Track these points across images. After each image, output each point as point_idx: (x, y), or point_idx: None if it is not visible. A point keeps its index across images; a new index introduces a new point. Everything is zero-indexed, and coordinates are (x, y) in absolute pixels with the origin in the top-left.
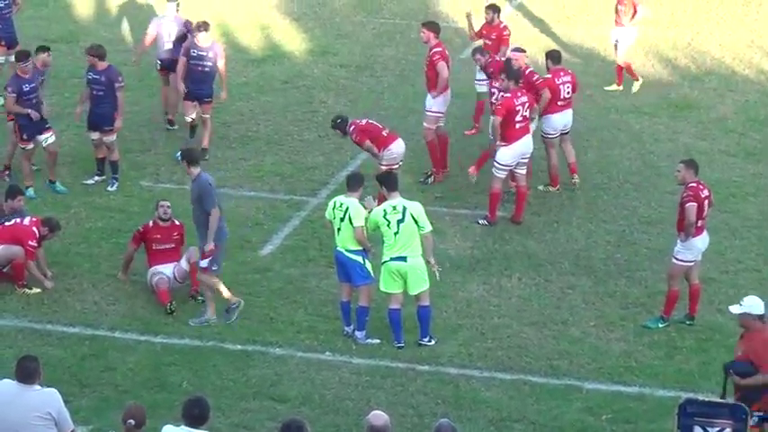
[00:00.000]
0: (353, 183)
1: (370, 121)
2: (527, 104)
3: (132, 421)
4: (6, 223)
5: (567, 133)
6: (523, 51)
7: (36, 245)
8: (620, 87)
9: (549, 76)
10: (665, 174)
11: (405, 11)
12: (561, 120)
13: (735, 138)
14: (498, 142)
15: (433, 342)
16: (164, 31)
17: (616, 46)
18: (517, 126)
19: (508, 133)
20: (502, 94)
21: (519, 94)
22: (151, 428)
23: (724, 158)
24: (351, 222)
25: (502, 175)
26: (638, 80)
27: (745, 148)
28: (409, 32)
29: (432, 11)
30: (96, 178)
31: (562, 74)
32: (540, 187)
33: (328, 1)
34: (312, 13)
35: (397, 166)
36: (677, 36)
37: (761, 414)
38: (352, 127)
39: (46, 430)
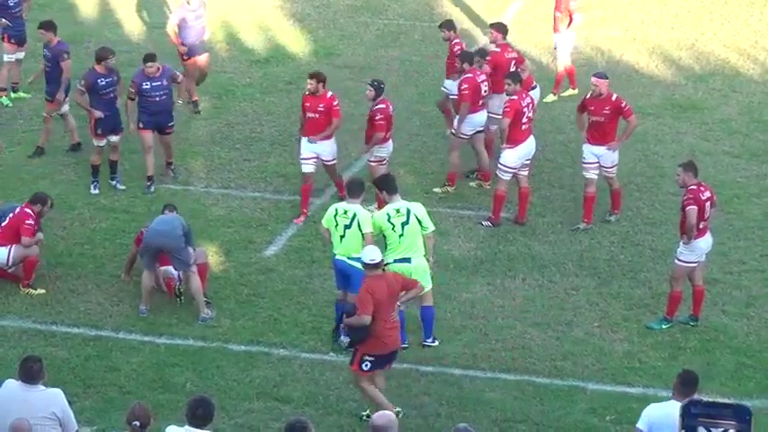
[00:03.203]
0: (354, 188)
1: (391, 114)
2: (531, 105)
3: (137, 423)
4: (3, 223)
5: (482, 132)
6: (606, 78)
7: (33, 223)
8: (575, 91)
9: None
10: (668, 175)
11: (408, 12)
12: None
13: (739, 139)
14: (504, 144)
15: (436, 343)
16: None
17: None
18: (523, 128)
19: (514, 135)
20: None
21: (524, 95)
22: (155, 429)
23: (728, 159)
24: (359, 229)
25: (507, 177)
26: (575, 88)
27: (750, 149)
28: (413, 33)
29: (436, 12)
30: (118, 185)
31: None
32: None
33: (332, 2)
34: (316, 14)
35: (383, 166)
36: (681, 36)
37: (371, 358)
38: (382, 106)
39: (51, 430)
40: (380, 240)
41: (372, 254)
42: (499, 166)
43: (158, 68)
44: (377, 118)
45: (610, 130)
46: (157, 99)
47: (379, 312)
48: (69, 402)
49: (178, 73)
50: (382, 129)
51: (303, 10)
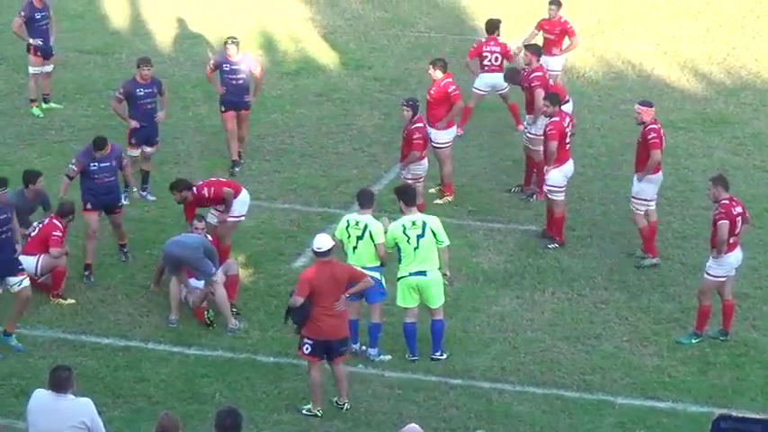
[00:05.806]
0: (366, 200)
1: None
2: (571, 123)
3: None
4: (33, 234)
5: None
6: (651, 106)
7: (61, 235)
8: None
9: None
10: (699, 189)
11: (439, 24)
12: None
13: None
14: (550, 166)
15: (444, 356)
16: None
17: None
18: (567, 147)
19: (560, 155)
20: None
21: (564, 115)
22: None
23: (759, 174)
24: (372, 239)
25: (561, 197)
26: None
27: None
28: (443, 46)
29: (466, 25)
30: (149, 196)
31: None
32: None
33: (363, 14)
34: (347, 26)
35: (420, 183)
36: (713, 51)
37: (310, 341)
38: (420, 125)
39: None
40: (394, 253)
41: (319, 242)
42: (549, 188)
43: (109, 148)
44: (415, 137)
45: (640, 161)
46: (105, 180)
47: (318, 298)
48: (99, 412)
49: (125, 158)
50: (420, 148)
51: (334, 22)
